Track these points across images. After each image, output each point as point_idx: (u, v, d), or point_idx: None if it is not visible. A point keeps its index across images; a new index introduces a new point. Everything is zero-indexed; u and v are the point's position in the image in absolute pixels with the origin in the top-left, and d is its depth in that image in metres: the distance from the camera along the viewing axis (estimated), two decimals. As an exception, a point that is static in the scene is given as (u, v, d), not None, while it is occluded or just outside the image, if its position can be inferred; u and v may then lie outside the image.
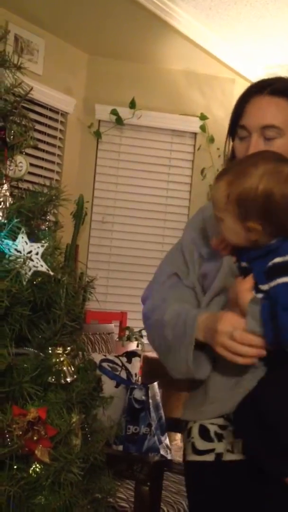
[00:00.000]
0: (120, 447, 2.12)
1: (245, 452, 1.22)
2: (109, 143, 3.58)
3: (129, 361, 2.46)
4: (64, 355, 1.15)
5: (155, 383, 2.29)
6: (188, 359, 1.21)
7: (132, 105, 3.49)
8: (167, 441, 2.28)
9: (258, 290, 1.13)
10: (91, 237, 3.55)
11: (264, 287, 1.12)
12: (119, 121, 3.49)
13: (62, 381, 1.11)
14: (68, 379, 1.12)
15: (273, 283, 1.10)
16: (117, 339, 3.27)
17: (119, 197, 3.62)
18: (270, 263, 1.12)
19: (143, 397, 2.19)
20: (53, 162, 3.35)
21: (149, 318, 1.33)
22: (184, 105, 3.66)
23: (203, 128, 3.61)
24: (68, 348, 1.17)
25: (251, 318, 1.10)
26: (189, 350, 1.21)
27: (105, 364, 2.34)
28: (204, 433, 1.28)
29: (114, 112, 3.49)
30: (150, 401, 2.22)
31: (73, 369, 1.16)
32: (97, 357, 2.36)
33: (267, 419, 1.11)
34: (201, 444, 1.28)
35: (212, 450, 1.26)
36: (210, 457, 1.26)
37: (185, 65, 3.61)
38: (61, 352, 1.15)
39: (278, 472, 1.16)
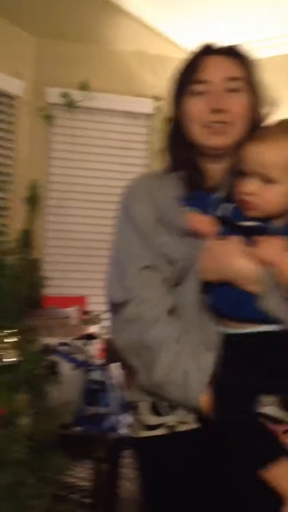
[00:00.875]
0: (80, 428, 2.13)
1: (202, 420, 1.19)
2: (61, 126, 3.54)
3: (87, 344, 2.47)
4: (7, 337, 1.15)
5: (114, 364, 2.31)
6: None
7: (84, 87, 3.45)
8: (128, 420, 2.30)
9: None
10: (48, 222, 3.52)
11: None
12: (71, 103, 3.46)
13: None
14: (9, 360, 1.12)
15: None
16: (78, 323, 3.27)
17: (75, 181, 3.59)
18: None
19: (101, 378, 2.21)
20: (3, 147, 3.30)
21: (125, 316, 1.24)
22: (137, 87, 3.65)
23: (157, 109, 3.61)
24: (11, 330, 1.17)
25: None
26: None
27: (62, 348, 2.34)
28: (154, 408, 1.26)
29: (65, 95, 3.45)
30: (109, 381, 2.24)
31: (16, 350, 1.16)
32: (54, 341, 2.37)
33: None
34: (151, 419, 1.25)
35: (164, 424, 1.23)
36: (162, 431, 1.23)
37: (136, 46, 3.58)
38: (3, 334, 1.15)
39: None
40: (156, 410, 1.25)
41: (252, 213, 1.18)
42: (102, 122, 3.66)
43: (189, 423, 1.21)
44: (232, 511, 1.16)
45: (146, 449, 1.28)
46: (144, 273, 1.25)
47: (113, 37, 3.50)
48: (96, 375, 2.23)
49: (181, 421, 1.22)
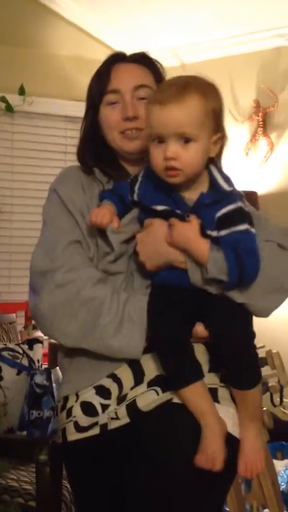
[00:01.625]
0: (23, 432, 2.13)
1: (131, 414, 1.21)
2: (0, 131, 3.52)
3: (31, 348, 2.47)
4: None
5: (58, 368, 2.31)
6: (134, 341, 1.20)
7: (22, 91, 3.44)
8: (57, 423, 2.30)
9: (203, 236, 1.16)
10: (-12, 228, 3.49)
11: (213, 233, 1.15)
12: (9, 108, 3.44)
13: None
14: None
15: (226, 231, 1.14)
16: (23, 329, 3.26)
17: (16, 186, 3.57)
18: (224, 210, 1.15)
19: (45, 382, 2.21)
20: None
21: (54, 282, 1.23)
22: (76, 91, 3.64)
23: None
24: None
25: (213, 264, 1.13)
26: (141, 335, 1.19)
27: (5, 353, 2.33)
28: (88, 408, 1.24)
29: (3, 99, 3.43)
30: (54, 385, 2.24)
31: None
32: (-2, 346, 2.35)
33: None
34: (84, 421, 1.24)
35: (96, 424, 1.23)
36: (95, 431, 1.23)
37: (74, 51, 3.60)
38: None
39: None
40: (90, 410, 1.24)
41: (175, 180, 1.16)
42: (40, 127, 3.65)
43: (121, 419, 1.22)
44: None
45: (77, 452, 1.27)
46: (73, 246, 1.27)
47: (51, 42, 3.51)
48: (40, 379, 2.22)
49: (113, 417, 1.22)
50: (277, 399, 2.46)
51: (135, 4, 3.17)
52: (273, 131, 3.65)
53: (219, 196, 1.17)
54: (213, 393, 1.21)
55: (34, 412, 2.15)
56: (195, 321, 1.20)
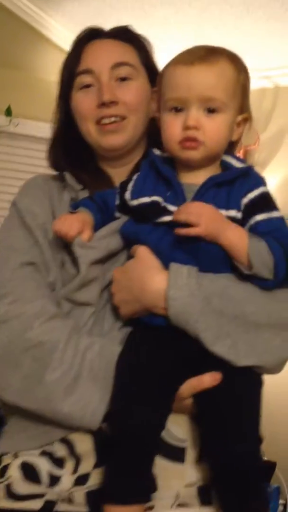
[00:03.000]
0: None
1: (94, 505, 0.88)
2: (-16, 150, 3.53)
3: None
4: None
5: None
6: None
7: (9, 112, 3.46)
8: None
9: None
10: None
11: (237, 215, 0.92)
12: (-5, 128, 3.45)
13: None
14: None
15: (264, 216, 0.91)
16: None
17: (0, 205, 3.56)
18: (256, 192, 0.93)
19: None
20: None
21: (1, 320, 0.95)
22: (62, 115, 3.69)
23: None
24: None
25: (257, 257, 0.87)
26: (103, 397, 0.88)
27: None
28: (29, 471, 0.92)
29: (-11, 119, 3.44)
30: None
31: None
32: None
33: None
34: (22, 487, 0.91)
35: (40, 496, 0.90)
36: (35, 504, 0.89)
37: (62, 75, 3.64)
38: None
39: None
40: (32, 474, 0.92)
41: (192, 155, 0.93)
42: (27, 149, 3.66)
43: (76, 506, 0.88)
44: None
45: None
46: (25, 269, 0.99)
47: (40, 66, 3.55)
48: None
49: (65, 499, 0.89)
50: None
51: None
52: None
53: (232, 175, 0.95)
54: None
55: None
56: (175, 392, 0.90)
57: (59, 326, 0.93)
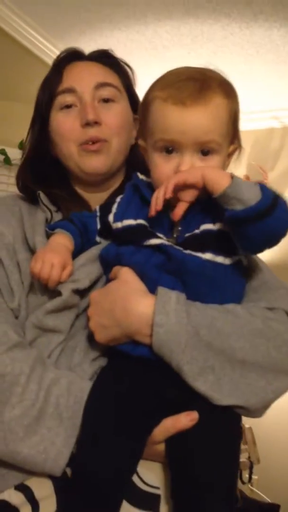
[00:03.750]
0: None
1: None
2: (-3, 182, 3.59)
3: None
4: None
5: None
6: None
7: (21, 146, 3.53)
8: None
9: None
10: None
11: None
12: (7, 160, 3.52)
13: None
14: None
15: None
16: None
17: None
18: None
19: None
20: None
21: None
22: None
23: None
24: None
25: (240, 185, 0.80)
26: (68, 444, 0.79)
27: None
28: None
29: (2, 152, 3.52)
30: None
31: None
32: None
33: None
34: None
35: None
36: None
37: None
38: None
39: None
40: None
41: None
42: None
43: None
44: None
45: None
46: None
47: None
48: None
49: None
50: (246, 476, 2.35)
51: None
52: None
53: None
54: None
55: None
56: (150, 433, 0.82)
57: (22, 357, 0.82)
